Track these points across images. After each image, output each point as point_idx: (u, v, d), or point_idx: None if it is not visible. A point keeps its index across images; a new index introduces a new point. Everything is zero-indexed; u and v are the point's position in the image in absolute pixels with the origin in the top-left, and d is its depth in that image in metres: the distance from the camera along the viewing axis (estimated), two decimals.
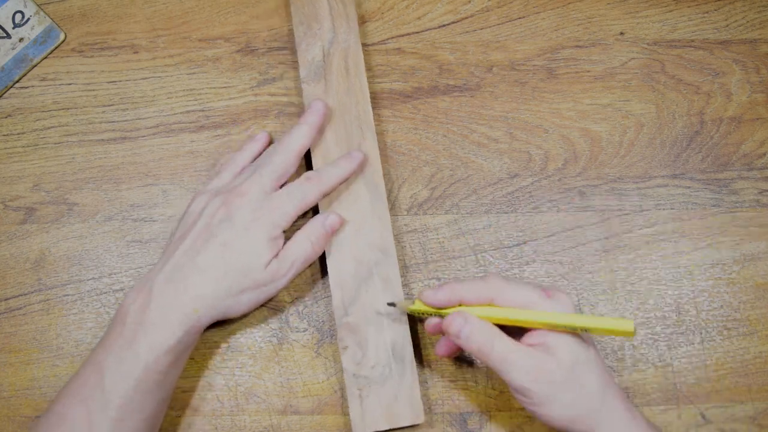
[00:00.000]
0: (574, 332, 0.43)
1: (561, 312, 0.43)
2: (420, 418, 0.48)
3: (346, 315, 0.49)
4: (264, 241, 0.47)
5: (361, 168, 0.51)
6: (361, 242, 0.50)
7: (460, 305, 0.45)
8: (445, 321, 0.44)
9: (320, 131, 0.52)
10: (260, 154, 0.53)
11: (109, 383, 0.43)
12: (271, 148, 0.51)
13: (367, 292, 0.49)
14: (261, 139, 0.53)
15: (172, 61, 0.56)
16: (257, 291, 0.48)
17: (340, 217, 0.50)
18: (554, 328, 0.43)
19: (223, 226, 0.47)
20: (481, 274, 0.52)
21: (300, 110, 0.55)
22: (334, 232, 0.50)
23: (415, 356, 0.49)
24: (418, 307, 0.46)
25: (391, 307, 0.49)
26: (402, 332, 0.49)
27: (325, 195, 0.50)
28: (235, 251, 0.47)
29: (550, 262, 0.52)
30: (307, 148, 0.51)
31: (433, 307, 0.45)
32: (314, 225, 0.49)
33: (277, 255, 0.48)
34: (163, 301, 0.45)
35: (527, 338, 0.44)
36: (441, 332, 0.46)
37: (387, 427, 0.48)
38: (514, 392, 0.44)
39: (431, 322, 0.47)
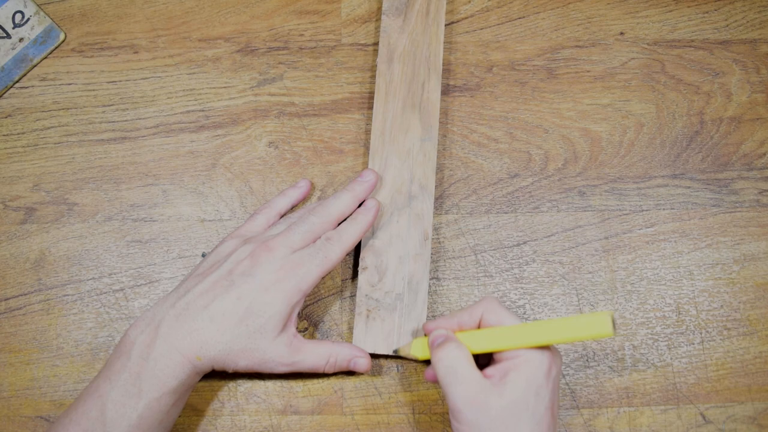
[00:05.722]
0: (547, 348, 0.42)
1: (532, 321, 0.42)
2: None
3: (373, 237, 0.50)
4: (281, 305, 0.45)
5: (375, 219, 0.50)
6: (404, 173, 0.51)
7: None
8: (431, 336, 0.45)
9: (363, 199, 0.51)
10: (299, 202, 0.52)
11: (111, 417, 0.43)
12: (310, 205, 0.51)
13: (398, 222, 0.51)
14: (302, 187, 0.52)
15: (172, 61, 0.56)
16: (257, 361, 0.46)
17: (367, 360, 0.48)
18: (527, 345, 0.42)
19: (243, 279, 0.45)
20: (480, 274, 0.52)
21: (300, 110, 0.55)
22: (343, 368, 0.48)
23: (429, 296, 0.50)
24: (415, 352, 0.47)
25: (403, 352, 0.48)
26: (422, 268, 0.50)
27: (348, 252, 0.48)
28: (248, 310, 0.45)
29: (549, 262, 0.52)
30: (346, 216, 0.49)
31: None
32: (342, 360, 0.48)
33: (292, 330, 0.47)
34: (170, 341, 0.44)
35: (490, 369, 0.43)
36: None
37: (386, 352, 0.49)
38: (450, 414, 0.42)
39: (430, 372, 0.47)
